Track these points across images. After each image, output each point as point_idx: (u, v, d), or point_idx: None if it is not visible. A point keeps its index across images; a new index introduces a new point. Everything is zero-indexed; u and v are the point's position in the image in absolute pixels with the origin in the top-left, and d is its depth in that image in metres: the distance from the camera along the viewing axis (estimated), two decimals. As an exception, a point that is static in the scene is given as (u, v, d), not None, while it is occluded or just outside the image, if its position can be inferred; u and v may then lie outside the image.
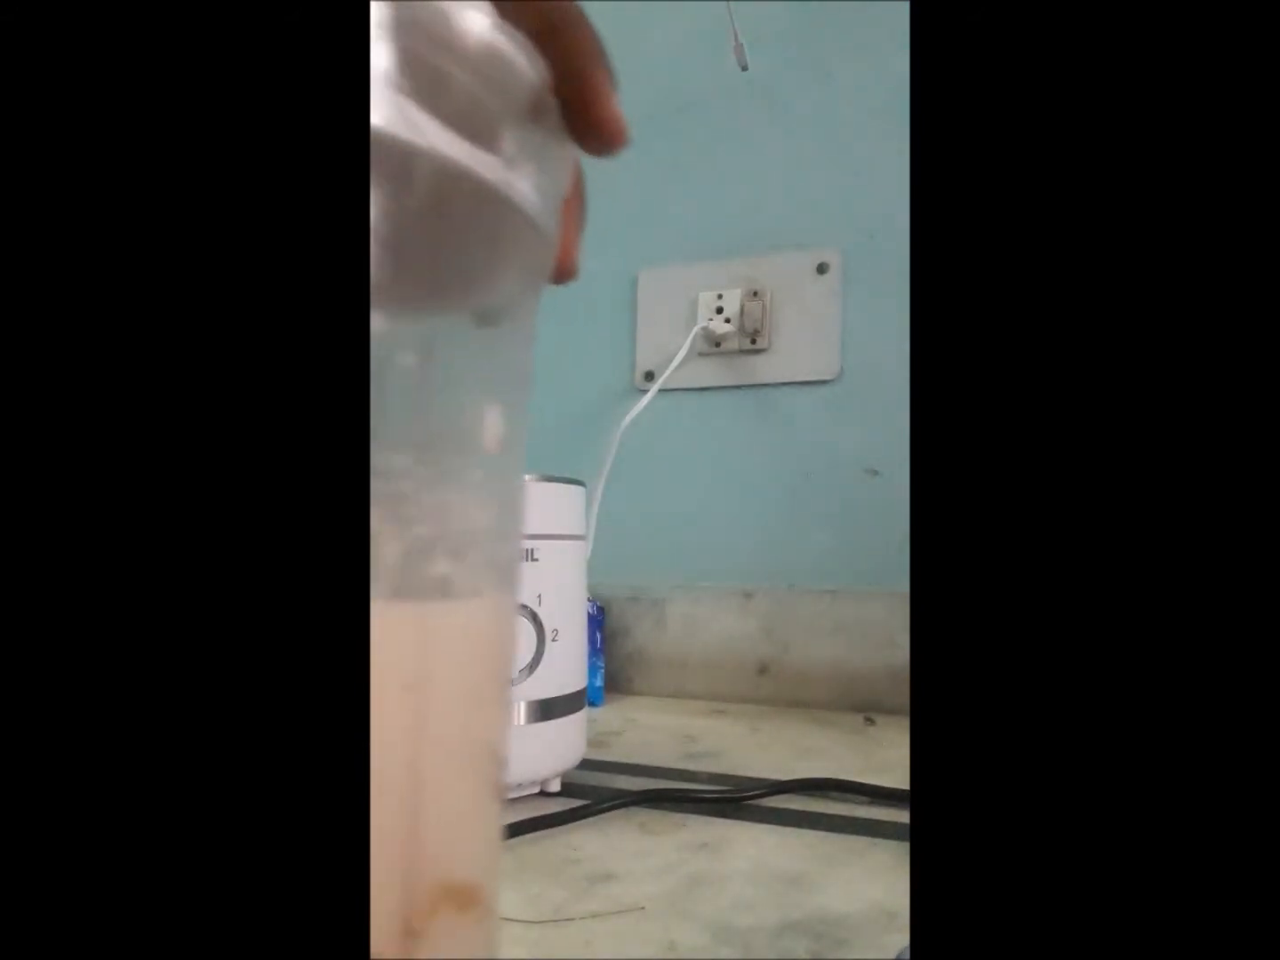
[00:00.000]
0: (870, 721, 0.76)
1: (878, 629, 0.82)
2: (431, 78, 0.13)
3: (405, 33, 0.13)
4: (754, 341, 0.89)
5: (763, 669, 0.86)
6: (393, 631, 0.16)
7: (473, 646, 0.17)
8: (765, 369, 0.89)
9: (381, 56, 0.13)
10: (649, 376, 0.91)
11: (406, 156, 0.13)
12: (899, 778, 0.55)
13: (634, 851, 0.43)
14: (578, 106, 0.17)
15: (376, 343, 0.15)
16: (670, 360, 0.88)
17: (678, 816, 0.48)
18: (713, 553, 0.90)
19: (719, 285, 0.90)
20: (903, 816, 0.49)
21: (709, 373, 0.91)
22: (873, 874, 0.40)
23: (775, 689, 0.85)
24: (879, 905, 0.37)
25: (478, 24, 0.14)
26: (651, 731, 0.72)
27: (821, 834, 0.46)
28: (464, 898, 0.17)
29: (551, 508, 0.51)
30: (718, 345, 0.90)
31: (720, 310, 0.89)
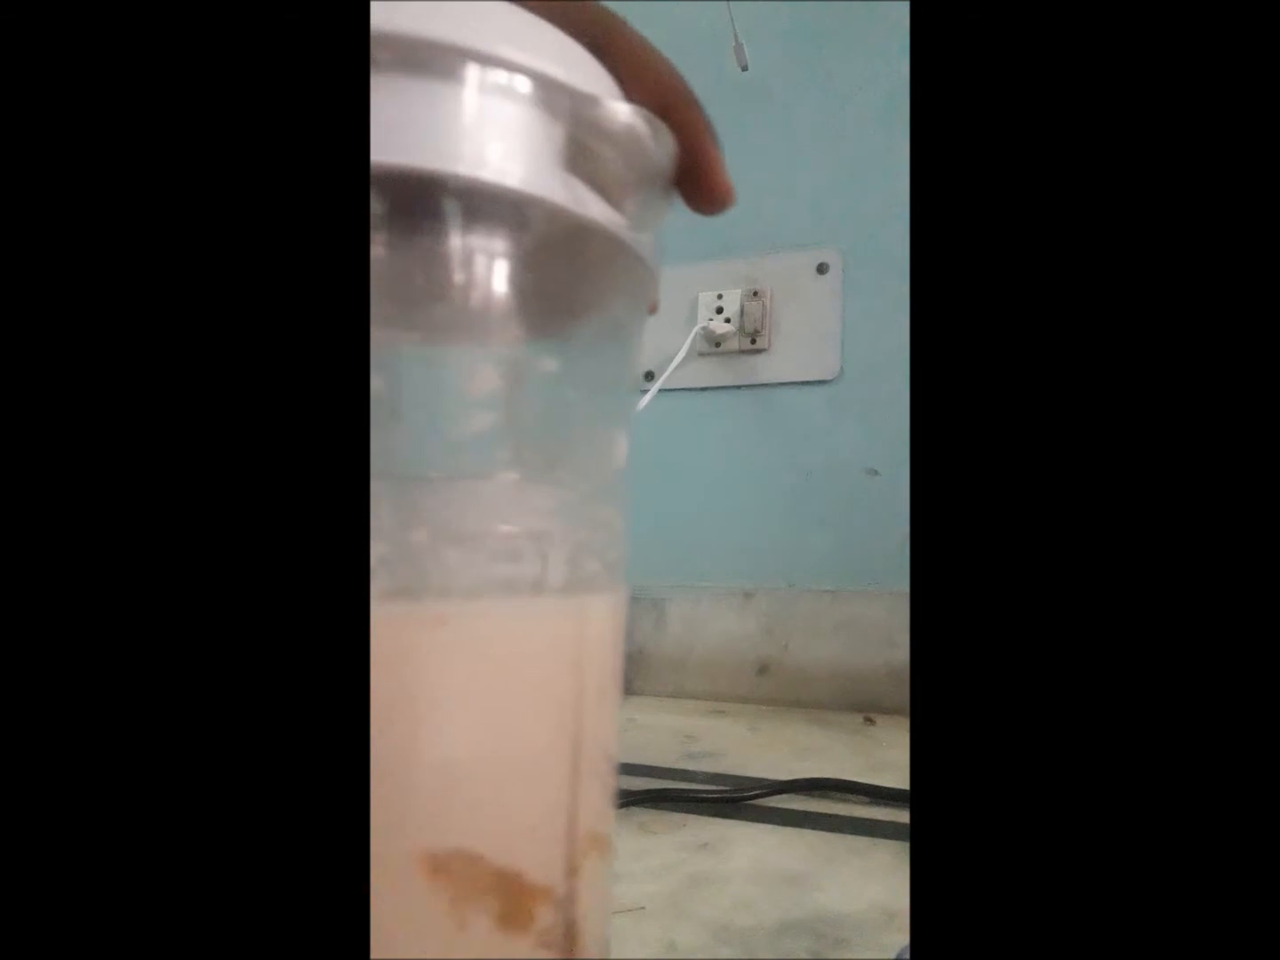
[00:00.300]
0: (870, 721, 0.76)
1: (878, 629, 0.82)
2: (587, 156, 0.17)
3: (570, 120, 0.17)
4: (754, 341, 0.89)
5: (763, 669, 0.86)
6: (564, 620, 0.19)
7: (611, 636, 0.20)
8: (765, 369, 0.89)
9: (553, 139, 0.17)
10: (649, 376, 0.91)
11: (561, 219, 0.17)
12: (899, 777, 0.55)
13: (634, 851, 0.43)
14: (693, 175, 0.20)
15: (544, 380, 0.19)
16: (670, 360, 0.88)
17: (678, 816, 0.48)
18: (713, 553, 0.90)
19: (719, 285, 0.90)
20: (902, 816, 0.49)
21: (709, 373, 0.91)
22: (872, 874, 0.40)
23: (775, 689, 0.85)
24: (879, 905, 0.37)
25: (623, 112, 0.17)
26: (651, 731, 0.72)
27: (821, 834, 0.46)
28: (603, 845, 0.20)
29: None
30: (718, 345, 0.90)
31: (720, 310, 0.89)
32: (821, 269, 0.87)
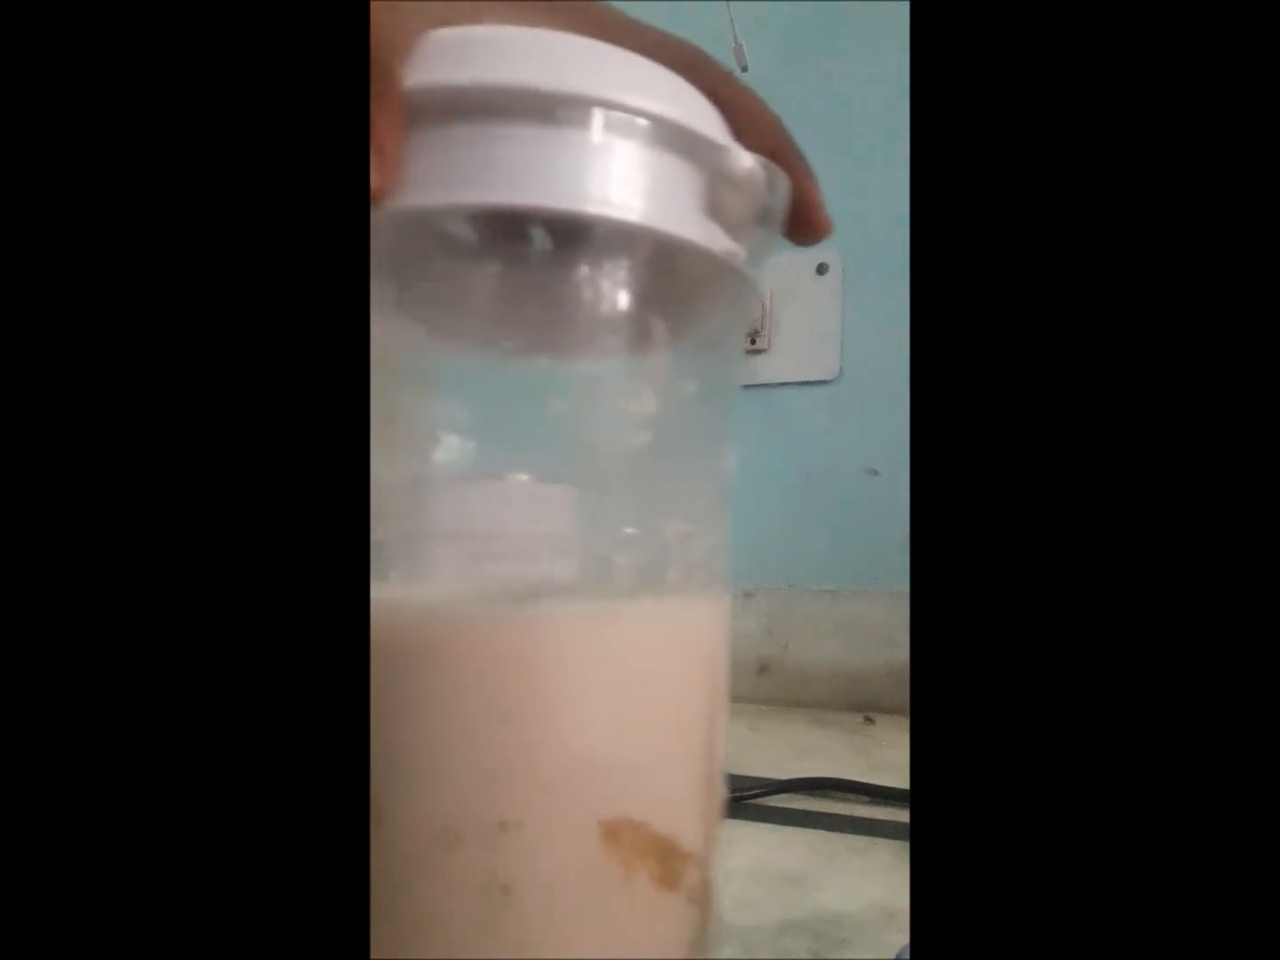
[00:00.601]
0: (870, 721, 0.76)
1: (877, 629, 0.82)
2: (718, 201, 0.20)
3: (707, 172, 0.19)
4: (754, 342, 0.89)
5: (763, 668, 0.86)
6: (707, 616, 0.22)
7: (727, 631, 0.23)
8: (765, 369, 0.89)
9: (698, 186, 0.19)
10: (649, 376, 0.91)
11: (692, 253, 0.20)
12: (898, 777, 0.55)
13: (634, 851, 0.43)
14: (798, 212, 0.23)
15: (687, 400, 0.22)
16: (670, 360, 0.88)
17: (678, 816, 0.48)
18: (713, 552, 0.89)
19: (719, 285, 0.90)
20: (902, 816, 0.49)
21: (709, 373, 0.91)
22: (872, 873, 0.40)
23: (775, 688, 0.85)
24: (879, 904, 0.37)
25: (746, 160, 0.20)
26: (651, 731, 0.72)
27: (821, 833, 0.46)
28: (723, 819, 0.22)
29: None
30: (718, 345, 0.90)
31: (720, 310, 0.89)
32: (821, 269, 0.87)
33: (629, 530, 0.20)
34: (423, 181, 0.17)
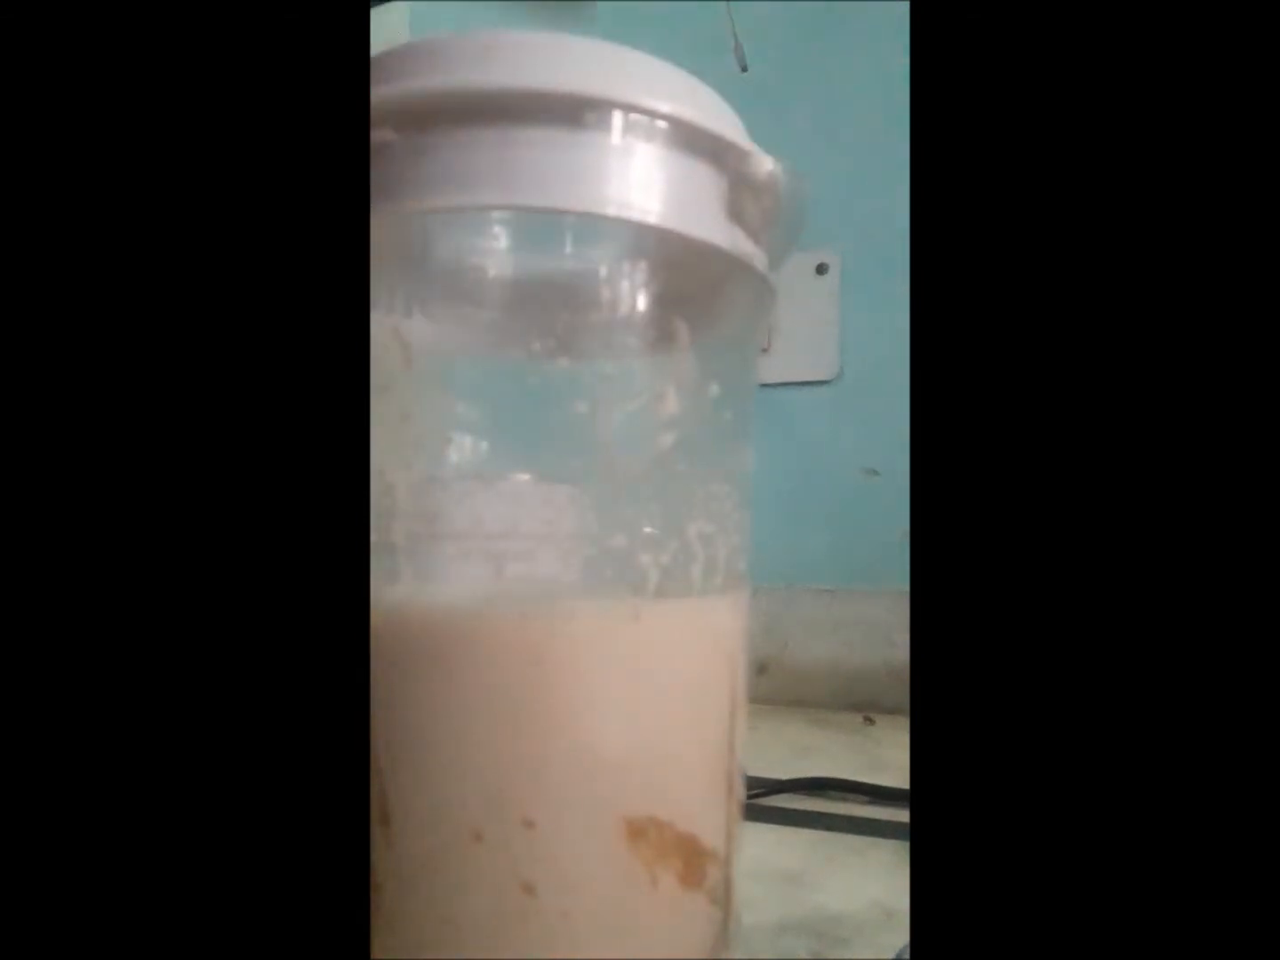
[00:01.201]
0: (869, 720, 0.76)
1: (876, 628, 0.82)
2: (739, 204, 0.20)
3: (728, 175, 0.20)
4: (753, 341, 0.89)
5: (762, 668, 0.86)
6: (727, 616, 0.22)
7: (746, 631, 0.23)
8: (765, 369, 0.89)
9: (719, 189, 0.20)
10: (648, 376, 0.91)
11: (715, 258, 0.20)
12: (898, 777, 0.55)
13: (634, 851, 0.43)
14: None
15: (708, 402, 0.22)
16: (670, 360, 0.88)
17: (677, 816, 0.48)
18: (712, 552, 0.89)
19: (718, 285, 0.90)
20: (902, 815, 0.49)
21: (708, 372, 0.91)
22: (872, 873, 0.40)
23: (774, 688, 0.85)
24: (879, 904, 0.37)
25: (767, 164, 0.20)
26: (651, 731, 0.71)
27: (821, 833, 0.46)
28: (742, 812, 0.23)
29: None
30: (717, 345, 0.90)
31: (720, 310, 0.89)
32: (821, 269, 0.87)
33: (648, 530, 0.21)
34: (444, 183, 0.17)
